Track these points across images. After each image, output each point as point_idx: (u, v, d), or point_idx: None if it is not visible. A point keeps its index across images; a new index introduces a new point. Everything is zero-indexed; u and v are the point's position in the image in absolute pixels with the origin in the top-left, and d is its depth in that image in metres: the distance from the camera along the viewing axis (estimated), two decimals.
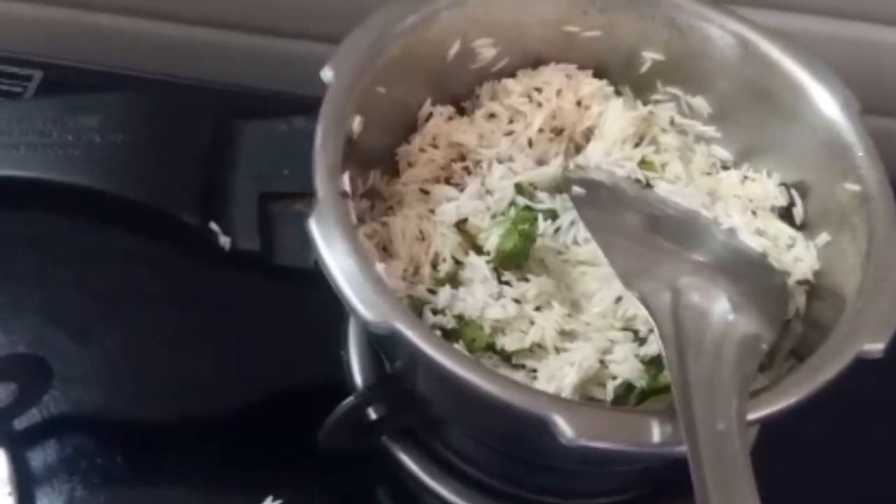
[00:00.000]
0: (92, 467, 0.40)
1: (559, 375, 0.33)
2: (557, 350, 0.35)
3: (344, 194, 0.32)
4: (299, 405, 0.41)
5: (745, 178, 0.40)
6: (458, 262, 0.37)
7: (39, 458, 0.40)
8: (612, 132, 0.40)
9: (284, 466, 0.40)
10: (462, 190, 0.39)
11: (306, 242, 0.31)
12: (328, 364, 0.42)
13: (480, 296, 0.35)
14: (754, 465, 0.27)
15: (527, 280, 0.36)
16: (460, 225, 0.38)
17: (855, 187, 0.36)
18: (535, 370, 0.35)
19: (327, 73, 0.34)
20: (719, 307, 0.32)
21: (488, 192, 0.39)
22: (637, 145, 0.41)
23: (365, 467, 0.41)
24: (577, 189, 0.37)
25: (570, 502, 0.41)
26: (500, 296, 0.36)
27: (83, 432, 0.41)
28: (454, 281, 0.36)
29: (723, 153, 0.41)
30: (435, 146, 0.40)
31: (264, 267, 0.34)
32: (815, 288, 0.37)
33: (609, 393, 0.33)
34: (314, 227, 0.30)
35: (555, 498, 0.40)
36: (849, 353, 0.30)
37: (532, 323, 0.35)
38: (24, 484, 0.39)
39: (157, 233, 0.34)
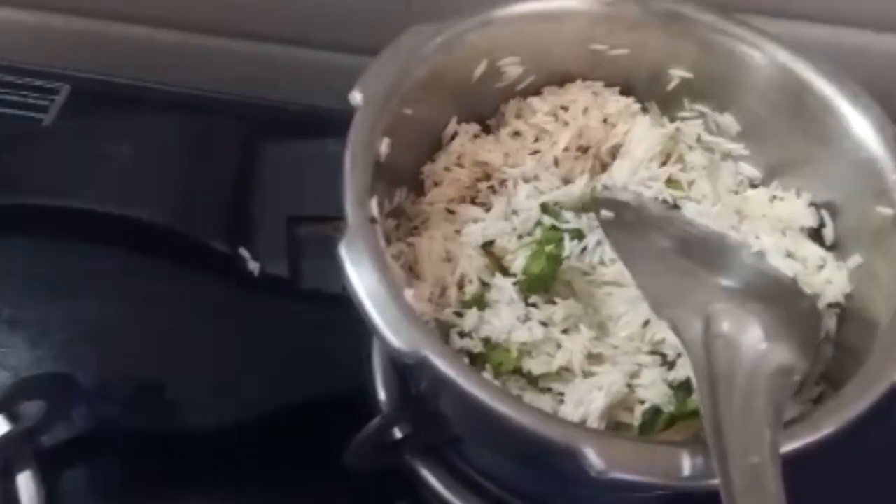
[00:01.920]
0: (120, 484, 0.40)
1: (587, 400, 0.33)
2: (585, 374, 0.34)
3: (373, 220, 0.32)
4: (325, 424, 0.41)
5: (774, 197, 0.40)
6: (484, 284, 0.37)
7: (68, 475, 0.40)
8: (639, 150, 0.40)
9: (309, 484, 0.41)
10: (488, 209, 0.39)
11: (334, 265, 0.31)
12: (353, 383, 0.42)
13: (507, 318, 0.35)
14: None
15: (554, 303, 0.36)
16: (486, 246, 0.38)
17: (888, 211, 0.35)
18: (561, 393, 0.34)
19: (356, 97, 0.34)
20: (751, 335, 0.31)
21: (514, 212, 0.38)
22: (664, 164, 0.40)
23: (388, 484, 0.41)
24: (605, 213, 0.37)
25: None
26: (526, 318, 0.36)
27: (110, 449, 0.41)
28: (480, 303, 0.36)
29: (751, 171, 0.41)
30: (460, 165, 0.40)
31: (292, 291, 0.34)
32: (846, 311, 0.36)
33: (637, 418, 0.33)
34: (344, 254, 0.30)
35: None
36: (884, 382, 0.30)
37: (559, 346, 0.35)
38: (53, 501, 0.39)
39: (187, 257, 0.34)
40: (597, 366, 0.35)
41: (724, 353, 0.30)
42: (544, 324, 0.35)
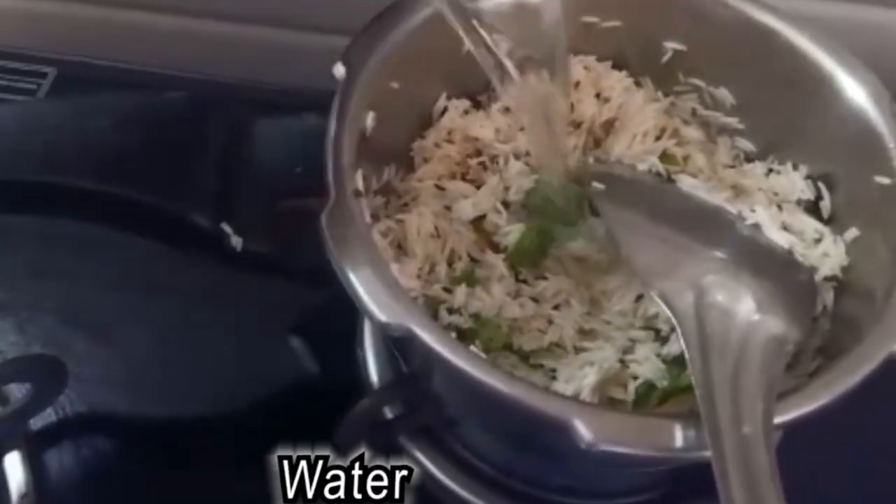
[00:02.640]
0: (108, 467, 0.40)
1: (579, 376, 0.33)
2: (576, 349, 0.34)
3: (357, 193, 0.32)
4: (315, 404, 0.40)
5: (770, 170, 0.39)
6: (474, 260, 0.36)
7: (55, 458, 0.40)
8: (633, 124, 0.39)
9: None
10: (478, 186, 0.38)
11: (319, 241, 0.31)
12: (344, 363, 0.42)
13: (498, 294, 0.34)
14: (779, 463, 0.26)
15: (545, 278, 0.35)
16: (477, 222, 0.37)
17: (886, 180, 0.34)
18: (553, 370, 0.34)
19: (339, 69, 0.34)
20: (744, 306, 0.31)
21: (506, 188, 0.38)
22: (658, 138, 0.40)
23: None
24: (596, 184, 0.36)
25: (590, 502, 0.40)
26: (517, 294, 0.35)
27: (98, 432, 0.41)
28: (471, 279, 0.35)
29: (747, 145, 0.40)
30: (450, 141, 0.39)
31: (277, 266, 0.34)
32: (843, 284, 0.36)
33: (630, 394, 0.33)
34: (326, 228, 0.30)
35: (574, 498, 0.40)
36: (879, 354, 0.29)
37: (550, 322, 0.35)
38: (41, 485, 0.39)
39: (170, 234, 0.34)
40: (589, 341, 0.34)
41: (718, 322, 0.30)
42: (535, 300, 0.35)
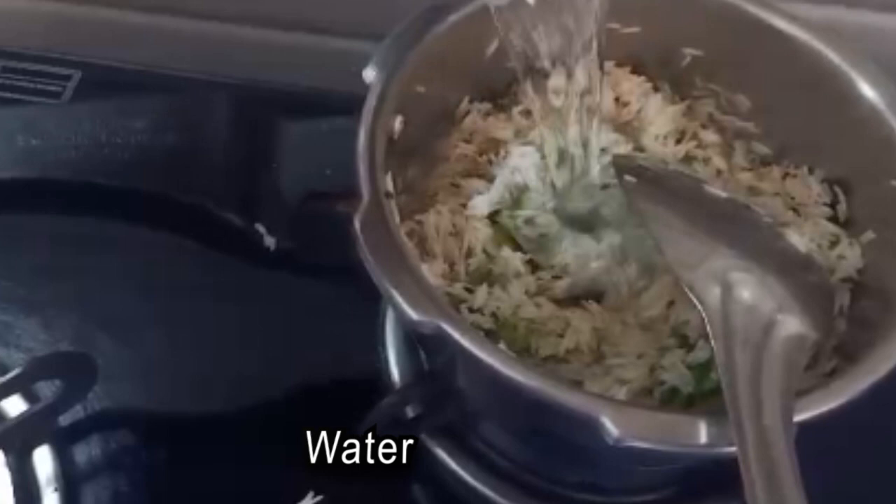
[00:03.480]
0: (136, 463, 0.41)
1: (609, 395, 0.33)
2: (596, 357, 0.34)
3: (387, 195, 0.32)
4: (338, 402, 0.41)
5: (787, 174, 0.40)
6: (490, 256, 0.36)
7: (84, 454, 0.41)
8: (654, 128, 0.40)
9: (324, 463, 0.41)
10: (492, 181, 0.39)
11: (348, 242, 0.31)
12: (366, 361, 0.43)
13: (515, 293, 0.35)
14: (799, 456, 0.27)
15: (559, 277, 0.36)
16: (493, 217, 0.38)
17: None
18: (580, 381, 0.34)
19: (369, 73, 0.34)
20: (767, 304, 0.31)
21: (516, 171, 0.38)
22: (678, 141, 0.40)
23: (402, 463, 0.41)
24: (628, 177, 0.37)
25: (611, 499, 0.41)
26: (535, 293, 0.35)
27: (127, 428, 0.42)
28: (489, 278, 0.36)
29: (762, 149, 0.41)
30: (468, 141, 0.40)
31: (307, 266, 0.34)
32: (859, 285, 0.36)
33: (655, 399, 0.33)
34: (359, 228, 0.31)
35: (593, 494, 0.40)
36: None
37: (568, 324, 0.35)
38: (70, 479, 0.40)
39: (204, 233, 0.34)
40: (612, 349, 0.34)
41: (742, 317, 0.30)
42: (554, 301, 0.35)
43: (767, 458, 0.26)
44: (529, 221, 0.37)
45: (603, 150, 0.38)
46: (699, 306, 0.31)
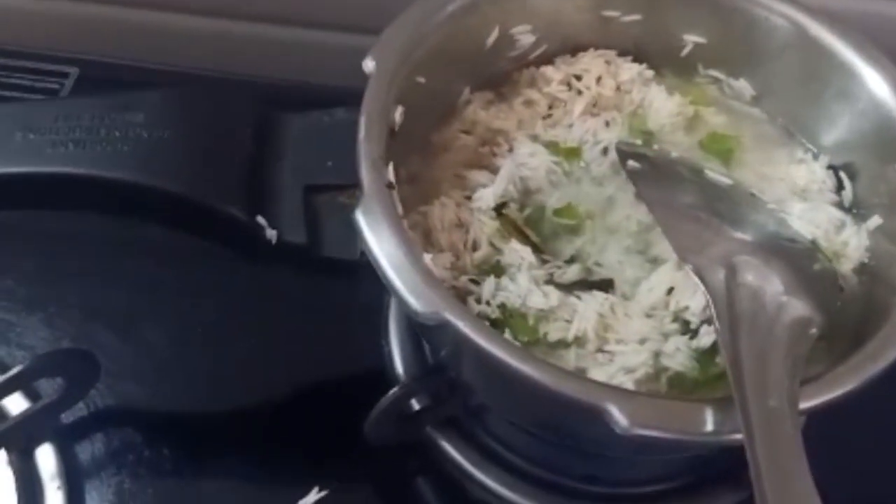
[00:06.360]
0: (139, 460, 0.40)
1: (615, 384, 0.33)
2: (602, 345, 0.34)
3: (389, 185, 0.32)
4: (343, 397, 0.41)
5: (791, 160, 0.40)
6: (497, 249, 0.36)
7: (87, 451, 0.40)
8: (659, 116, 0.40)
9: (329, 457, 0.41)
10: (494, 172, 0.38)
11: (351, 234, 0.31)
12: (371, 355, 0.42)
13: (523, 283, 0.35)
14: (806, 444, 0.27)
15: (567, 264, 0.36)
16: (500, 209, 0.37)
17: None
18: (584, 369, 0.34)
19: (369, 65, 0.34)
20: (772, 287, 0.31)
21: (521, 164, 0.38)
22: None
23: (409, 457, 0.41)
24: (632, 163, 0.37)
25: (616, 490, 0.41)
26: (544, 281, 0.35)
27: (130, 425, 0.41)
28: (497, 269, 0.36)
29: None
30: (468, 132, 0.40)
31: (309, 259, 0.34)
32: (867, 270, 0.36)
33: (663, 385, 0.33)
34: (361, 220, 0.30)
35: (600, 486, 0.40)
36: None
37: (575, 311, 0.35)
38: (73, 477, 0.40)
39: (205, 227, 0.34)
40: (613, 333, 0.34)
41: (747, 301, 0.31)
42: (559, 285, 0.35)
43: (773, 439, 0.26)
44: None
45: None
46: (703, 290, 0.31)
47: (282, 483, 0.40)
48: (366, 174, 0.32)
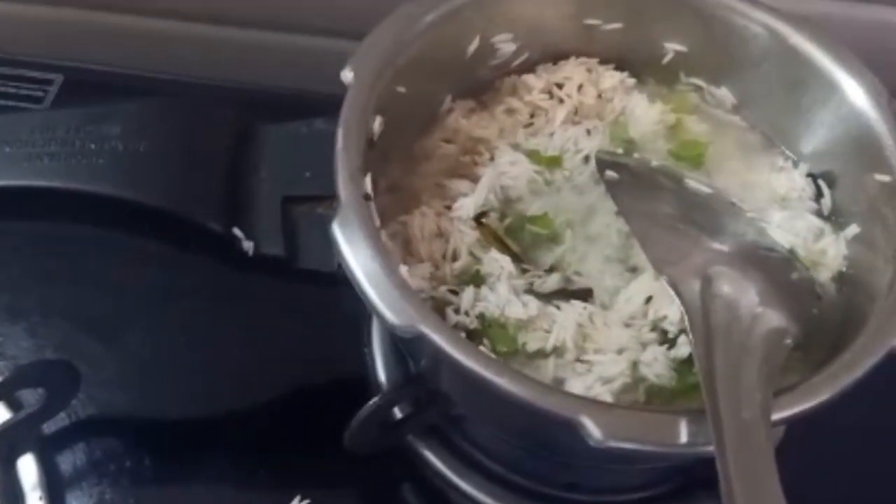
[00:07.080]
0: (121, 469, 0.40)
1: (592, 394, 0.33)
2: (579, 349, 0.34)
3: (366, 197, 0.32)
4: (325, 405, 0.41)
5: (771, 168, 0.40)
6: (476, 258, 0.36)
7: (69, 461, 0.40)
8: (639, 124, 0.40)
9: (311, 466, 0.41)
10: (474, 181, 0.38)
11: (329, 245, 0.31)
12: (353, 364, 0.42)
13: (503, 292, 0.35)
14: (780, 458, 0.27)
15: (547, 273, 0.36)
16: (480, 219, 0.37)
17: (885, 178, 0.35)
18: (561, 379, 0.34)
19: (347, 75, 0.34)
20: (748, 298, 0.31)
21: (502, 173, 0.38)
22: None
23: (391, 465, 0.41)
24: (610, 173, 0.37)
25: (597, 498, 0.41)
26: (524, 291, 0.35)
27: (111, 435, 0.41)
28: (477, 279, 0.36)
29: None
30: (449, 141, 0.40)
31: (288, 270, 0.34)
32: (845, 279, 0.36)
33: (641, 394, 0.33)
34: (337, 232, 0.30)
35: (581, 494, 0.40)
36: (880, 349, 0.30)
37: (554, 321, 0.35)
38: (55, 487, 0.40)
39: (182, 239, 0.34)
40: (591, 342, 0.34)
41: (722, 311, 0.31)
42: (538, 295, 0.35)
43: (745, 451, 0.26)
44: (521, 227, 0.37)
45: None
46: (678, 301, 0.31)
47: (264, 491, 0.40)
48: (343, 186, 0.32)
